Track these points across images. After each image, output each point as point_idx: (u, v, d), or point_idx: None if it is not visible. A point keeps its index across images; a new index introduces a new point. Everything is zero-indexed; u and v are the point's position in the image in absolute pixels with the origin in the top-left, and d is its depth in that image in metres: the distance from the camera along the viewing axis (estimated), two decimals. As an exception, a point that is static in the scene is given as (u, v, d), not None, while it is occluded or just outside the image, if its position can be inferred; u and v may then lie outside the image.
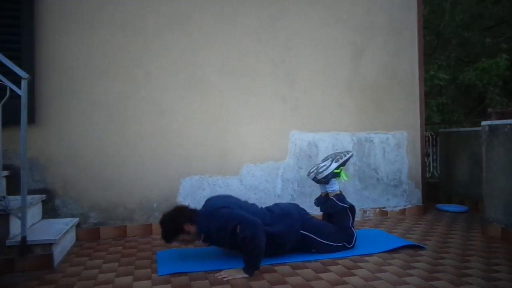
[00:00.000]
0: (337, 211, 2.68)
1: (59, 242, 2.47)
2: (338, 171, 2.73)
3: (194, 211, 2.49)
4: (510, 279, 2.08)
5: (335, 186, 2.75)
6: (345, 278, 2.13)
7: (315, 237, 2.54)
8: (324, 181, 2.73)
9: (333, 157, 2.77)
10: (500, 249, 2.67)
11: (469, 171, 4.39)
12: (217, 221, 2.30)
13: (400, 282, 2.06)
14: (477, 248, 2.71)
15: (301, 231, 2.52)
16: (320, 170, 2.73)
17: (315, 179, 2.76)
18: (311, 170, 2.80)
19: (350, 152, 2.83)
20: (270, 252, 2.37)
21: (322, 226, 2.63)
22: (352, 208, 2.71)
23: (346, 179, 2.80)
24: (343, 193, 2.79)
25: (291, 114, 3.63)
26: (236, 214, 2.30)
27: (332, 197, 2.72)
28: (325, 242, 2.55)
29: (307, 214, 2.68)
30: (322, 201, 2.79)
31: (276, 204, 2.70)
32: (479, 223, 3.34)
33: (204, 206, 2.55)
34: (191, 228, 2.40)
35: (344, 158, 2.76)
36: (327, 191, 2.77)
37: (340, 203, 2.68)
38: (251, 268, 2.18)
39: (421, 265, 2.32)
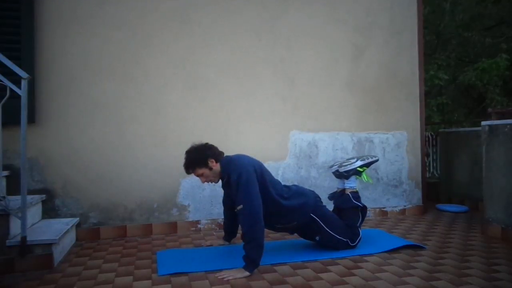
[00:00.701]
0: (349, 207, 2.72)
1: (59, 242, 2.47)
2: (361, 170, 2.80)
3: (222, 152, 2.55)
4: (510, 279, 2.08)
5: (353, 183, 2.81)
6: (345, 278, 2.13)
7: (323, 225, 2.56)
8: (345, 175, 2.79)
9: (359, 157, 2.86)
10: (500, 249, 2.67)
11: (469, 171, 4.39)
12: (236, 177, 2.31)
13: (400, 282, 2.06)
14: (477, 248, 2.71)
15: (311, 214, 2.56)
16: (344, 164, 2.81)
17: (336, 172, 2.83)
18: (334, 164, 2.90)
19: (377, 157, 2.92)
20: (277, 222, 2.50)
21: (332, 217, 2.67)
22: (364, 209, 2.75)
23: (367, 179, 2.86)
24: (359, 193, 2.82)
25: (291, 114, 3.63)
26: (249, 191, 2.28)
27: (349, 193, 2.77)
28: (331, 232, 2.57)
29: (322, 202, 2.71)
30: (337, 195, 2.85)
31: (294, 185, 2.78)
32: (479, 223, 3.34)
33: (233, 155, 2.57)
34: (214, 165, 2.48)
35: (370, 160, 2.84)
36: (344, 187, 2.82)
37: (354, 201, 2.73)
38: (251, 263, 2.18)
39: (421, 265, 2.33)
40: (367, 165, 2.84)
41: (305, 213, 2.55)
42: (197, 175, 2.54)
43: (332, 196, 2.90)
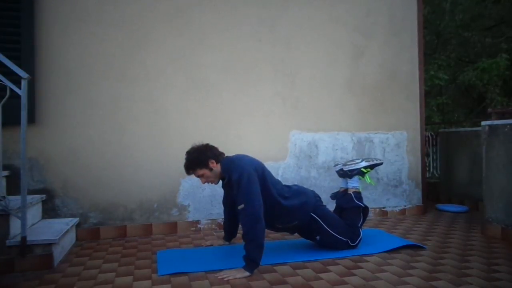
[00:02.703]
0: (351, 207, 2.72)
1: (59, 242, 2.47)
2: (365, 171, 2.81)
3: (222, 153, 2.55)
4: (510, 279, 2.08)
5: (356, 183, 2.82)
6: (345, 278, 2.13)
7: (323, 224, 2.57)
8: (349, 174, 2.80)
9: (365, 158, 2.88)
10: (500, 249, 2.67)
11: (469, 171, 4.39)
12: (237, 177, 2.31)
13: (400, 282, 2.06)
14: (477, 248, 2.71)
15: (312, 214, 2.56)
16: (348, 163, 2.84)
17: (340, 171, 2.86)
18: (339, 163, 2.92)
19: (382, 160, 2.94)
20: (278, 222, 2.50)
21: (333, 216, 2.67)
22: (365, 210, 2.76)
23: (369, 181, 2.87)
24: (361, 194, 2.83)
25: (291, 114, 3.63)
26: (250, 191, 2.27)
27: (351, 193, 2.78)
28: (331, 232, 2.57)
29: (322, 202, 2.72)
30: (340, 195, 2.86)
31: (295, 184, 2.79)
32: (479, 223, 3.34)
33: (233, 155, 2.57)
34: (215, 166, 2.48)
35: (375, 162, 2.86)
36: (347, 187, 2.83)
37: (357, 201, 2.73)
38: (251, 263, 2.18)
39: (421, 265, 2.32)
40: (372, 166, 2.85)
41: (305, 213, 2.55)
42: (197, 176, 2.54)
43: (334, 196, 2.91)
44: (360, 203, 2.74)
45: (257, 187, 2.32)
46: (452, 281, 2.05)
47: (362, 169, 2.80)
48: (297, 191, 2.61)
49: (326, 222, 2.57)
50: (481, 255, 2.52)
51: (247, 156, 2.57)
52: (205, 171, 2.49)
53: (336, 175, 2.99)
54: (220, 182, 2.63)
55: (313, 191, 2.72)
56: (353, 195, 2.76)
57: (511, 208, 2.89)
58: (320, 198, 2.72)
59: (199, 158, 2.48)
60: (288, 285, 2.04)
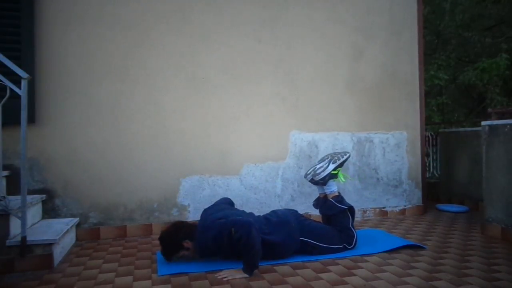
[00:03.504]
0: (336, 212, 2.65)
1: (59, 242, 2.47)
2: (336, 172, 2.69)
3: (192, 226, 2.47)
4: (510, 279, 2.08)
5: (333, 188, 2.72)
6: (345, 278, 2.13)
7: (316, 242, 2.53)
8: (321, 182, 2.69)
9: (330, 158, 2.72)
10: (500, 249, 2.67)
11: (469, 171, 4.39)
12: (213, 231, 2.28)
13: (400, 282, 2.06)
14: (477, 248, 2.71)
15: (301, 238, 2.51)
16: (318, 172, 2.68)
17: (312, 181, 2.73)
18: (308, 172, 2.76)
19: (348, 153, 2.78)
20: (269, 258, 2.40)
21: (322, 229, 2.61)
22: (351, 209, 2.68)
23: (344, 180, 2.77)
24: (341, 194, 2.76)
25: (291, 114, 3.63)
26: (230, 220, 2.29)
27: (331, 199, 2.69)
28: (326, 246, 2.54)
29: (305, 219, 2.66)
30: (321, 202, 2.77)
31: (273, 211, 2.67)
32: (479, 223, 3.34)
33: (201, 218, 2.54)
34: (190, 244, 2.39)
35: (342, 159, 2.71)
36: (325, 193, 2.75)
37: (339, 205, 2.65)
38: (250, 268, 2.18)
39: (421, 265, 2.32)
40: (340, 165, 2.71)
41: (294, 241, 2.49)
42: (178, 258, 2.46)
43: (316, 204, 2.82)
44: (343, 206, 2.65)
45: (228, 214, 2.37)
46: (452, 281, 2.05)
47: (333, 172, 2.67)
48: (278, 223, 2.49)
49: (318, 239, 2.53)
50: (481, 255, 2.52)
51: (211, 208, 2.63)
52: (183, 253, 2.41)
53: None
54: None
55: (293, 212, 2.65)
56: (333, 201, 2.67)
57: (511, 208, 2.89)
58: (303, 216, 2.67)
59: (173, 245, 2.39)
60: (288, 285, 2.04)
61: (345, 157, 2.73)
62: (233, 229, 2.21)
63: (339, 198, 2.70)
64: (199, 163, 3.36)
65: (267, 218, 2.56)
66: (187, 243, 2.38)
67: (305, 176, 2.79)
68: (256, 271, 2.22)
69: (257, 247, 2.19)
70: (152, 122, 3.28)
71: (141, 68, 3.27)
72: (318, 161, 2.79)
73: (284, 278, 2.14)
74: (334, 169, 2.67)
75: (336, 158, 2.71)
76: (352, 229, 2.65)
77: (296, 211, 2.71)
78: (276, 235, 2.42)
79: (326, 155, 2.79)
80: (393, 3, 3.94)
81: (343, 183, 2.78)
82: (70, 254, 2.69)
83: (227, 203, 2.83)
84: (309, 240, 2.52)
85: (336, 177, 2.71)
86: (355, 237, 2.64)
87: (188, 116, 3.37)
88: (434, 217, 3.84)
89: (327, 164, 2.69)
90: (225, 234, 2.23)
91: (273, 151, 3.57)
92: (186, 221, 2.56)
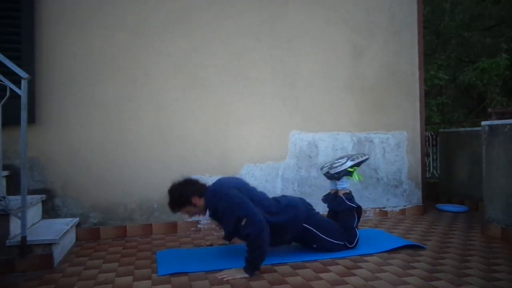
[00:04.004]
0: (343, 209, 2.69)
1: (59, 242, 2.47)
2: (352, 170, 2.77)
3: (204, 185, 2.51)
4: (510, 279, 2.08)
5: (345, 184, 2.78)
6: (345, 278, 2.13)
7: (318, 232, 2.54)
8: (336, 176, 2.77)
9: (349, 156, 2.82)
10: (500, 249, 2.67)
11: (469, 171, 4.39)
12: (225, 203, 2.29)
13: (400, 282, 2.06)
14: (477, 248, 2.71)
15: (304, 224, 2.53)
16: (335, 165, 2.78)
17: (327, 173, 2.80)
18: (325, 165, 2.85)
19: (367, 155, 2.87)
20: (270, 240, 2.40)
21: (326, 222, 2.64)
22: (359, 209, 2.72)
23: (358, 179, 2.84)
24: (352, 193, 2.80)
25: (291, 114, 3.63)
26: (246, 206, 2.27)
27: (341, 195, 2.74)
28: (327, 238, 2.56)
29: (313, 209, 2.68)
30: (331, 198, 2.82)
31: (283, 196, 2.72)
32: (479, 223, 3.34)
33: (214, 184, 2.53)
34: (198, 201, 2.44)
35: (360, 159, 2.80)
36: (336, 189, 2.80)
37: (348, 202, 2.70)
38: (252, 268, 2.18)
39: (421, 265, 2.32)
40: (358, 164, 2.79)
41: (296, 226, 2.51)
42: (183, 213, 2.53)
43: (325, 199, 2.87)
44: (352, 204, 2.69)
45: (247, 200, 2.31)
46: (452, 281, 2.05)
47: (349, 169, 2.75)
48: (286, 205, 2.52)
49: (320, 230, 2.54)
50: (481, 255, 2.52)
51: (226, 179, 2.57)
52: (189, 208, 2.46)
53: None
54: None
55: (303, 200, 2.67)
56: (343, 197, 2.72)
57: (511, 208, 2.89)
58: (311, 206, 2.68)
59: (182, 197, 2.43)
60: (288, 285, 2.04)
61: (364, 157, 2.83)
62: (245, 219, 2.21)
63: (350, 196, 2.75)
64: (199, 163, 3.36)
65: (277, 200, 2.60)
66: (196, 199, 2.43)
67: (321, 169, 2.88)
68: (256, 272, 2.21)
69: (264, 249, 2.19)
70: (152, 122, 3.28)
71: (141, 68, 3.27)
72: (337, 158, 2.89)
73: (284, 278, 2.14)
74: (351, 167, 2.76)
75: (355, 157, 2.81)
76: (356, 229, 2.68)
77: (305, 200, 2.71)
78: (282, 216, 2.45)
79: (345, 155, 2.89)
80: (393, 3, 3.95)
81: (358, 182, 2.87)
82: (70, 254, 2.69)
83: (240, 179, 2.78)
84: (312, 229, 2.53)
85: (351, 175, 2.79)
86: (357, 237, 2.65)
87: (188, 116, 3.37)
88: (434, 217, 3.84)
89: (345, 161, 2.78)
90: (234, 218, 2.24)
91: (273, 151, 3.57)
92: (197, 179, 2.56)
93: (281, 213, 2.46)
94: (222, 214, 2.33)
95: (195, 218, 3.34)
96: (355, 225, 2.68)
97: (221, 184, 2.47)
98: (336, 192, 2.80)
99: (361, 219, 2.78)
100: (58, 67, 3.10)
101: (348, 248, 2.62)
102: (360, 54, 3.85)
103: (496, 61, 9.11)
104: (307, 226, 2.53)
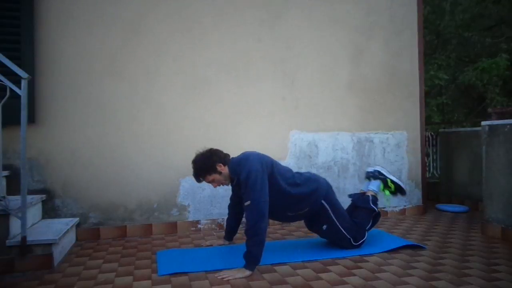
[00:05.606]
0: (364, 207, 2.74)
1: (59, 242, 2.47)
2: (389, 184, 2.87)
3: (227, 155, 2.57)
4: (510, 279, 2.08)
5: (375, 188, 2.87)
6: (345, 278, 2.13)
7: (332, 215, 2.59)
8: (377, 175, 2.88)
9: (396, 176, 3.09)
10: (500, 249, 2.67)
11: (469, 171, 4.39)
12: (245, 177, 2.33)
13: (400, 282, 2.06)
14: (477, 248, 2.71)
15: (322, 201, 2.59)
16: (382, 171, 2.92)
17: (370, 171, 2.94)
18: (375, 166, 3.01)
19: (405, 192, 2.96)
20: (289, 210, 2.54)
21: (342, 209, 2.69)
22: (377, 216, 2.77)
23: (387, 194, 2.90)
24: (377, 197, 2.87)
25: (291, 114, 3.63)
26: (257, 189, 2.29)
27: (369, 195, 2.81)
28: (337, 223, 2.60)
29: (334, 194, 2.74)
30: (358, 195, 2.89)
31: (308, 172, 2.81)
32: (479, 223, 3.34)
33: (239, 155, 2.58)
34: (223, 169, 2.51)
35: (400, 184, 2.89)
36: (367, 189, 2.88)
37: (371, 203, 2.75)
38: (251, 260, 2.19)
39: (421, 265, 2.32)
40: (396, 185, 2.88)
41: (316, 199, 2.57)
42: (208, 182, 2.57)
43: (352, 195, 2.95)
44: (375, 207, 2.75)
45: (264, 184, 2.34)
46: (452, 281, 2.05)
47: (388, 180, 2.87)
48: (308, 178, 2.63)
49: (334, 212, 2.60)
50: (481, 255, 2.52)
51: (253, 153, 2.55)
52: (215, 176, 2.52)
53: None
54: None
55: (325, 180, 2.74)
56: (370, 197, 2.79)
57: (511, 208, 2.89)
58: (332, 188, 2.74)
59: (207, 164, 2.50)
60: (288, 285, 2.04)
61: (404, 188, 2.91)
62: (249, 202, 2.27)
63: (375, 198, 2.81)
64: (199, 163, 3.36)
65: (299, 173, 2.71)
66: (221, 167, 2.50)
67: (369, 166, 3.06)
68: (256, 270, 2.22)
69: (261, 237, 2.22)
70: (151, 122, 3.28)
71: (141, 68, 3.27)
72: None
73: (284, 278, 2.14)
74: (392, 182, 2.87)
75: (399, 180, 2.95)
76: (366, 232, 2.69)
77: (327, 181, 2.77)
78: (304, 188, 2.54)
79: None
80: (393, 3, 3.95)
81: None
82: (70, 254, 2.69)
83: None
84: (328, 208, 2.59)
85: (385, 187, 2.88)
86: (363, 239, 2.67)
87: (188, 116, 3.36)
88: (434, 217, 3.84)
89: (391, 175, 2.94)
90: (243, 192, 2.33)
91: (273, 151, 3.54)
92: (221, 150, 2.62)
93: (302, 185, 2.55)
94: (240, 185, 2.40)
95: (194, 221, 3.35)
96: (366, 228, 2.70)
97: (246, 157, 2.49)
98: (364, 192, 2.87)
99: (374, 226, 2.81)
100: (58, 67, 3.10)
101: (351, 246, 2.63)
102: (360, 54, 3.85)
103: (496, 61, 9.12)
104: (325, 204, 2.59)
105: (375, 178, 2.90)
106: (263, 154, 2.56)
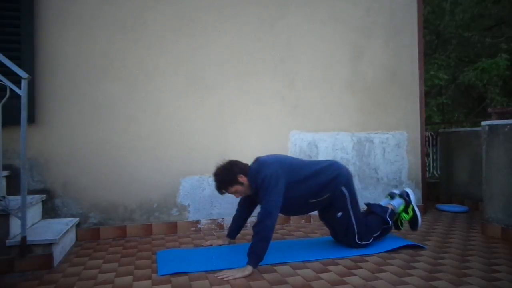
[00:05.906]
0: (379, 215, 2.74)
1: (59, 242, 2.47)
2: (409, 212, 2.86)
3: (246, 164, 2.63)
4: (510, 279, 2.08)
5: (397, 205, 2.86)
6: (345, 278, 2.13)
7: (349, 204, 2.62)
8: (404, 195, 2.89)
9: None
10: (500, 249, 2.67)
11: (469, 171, 4.39)
12: (262, 181, 2.41)
13: (400, 282, 2.06)
14: (477, 248, 2.71)
15: (342, 188, 2.61)
16: (411, 195, 2.92)
17: (398, 191, 2.96)
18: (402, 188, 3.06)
19: (419, 228, 2.93)
20: (310, 198, 2.57)
21: (358, 202, 2.71)
22: (388, 229, 2.77)
23: (406, 219, 2.88)
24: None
25: (291, 114, 3.63)
26: (269, 195, 2.36)
27: (389, 207, 2.81)
28: (351, 214, 2.62)
29: (353, 183, 2.75)
30: (376, 204, 2.88)
31: (329, 160, 2.89)
32: (479, 223, 3.34)
33: (255, 162, 2.64)
34: (244, 179, 2.55)
35: (419, 217, 2.88)
36: (387, 204, 2.87)
37: (388, 216, 2.74)
38: (255, 256, 2.20)
39: (421, 265, 2.33)
40: (414, 217, 2.87)
41: (337, 185, 2.60)
42: (231, 193, 2.61)
43: (371, 204, 2.91)
44: (390, 220, 2.74)
45: (279, 187, 2.40)
46: (452, 281, 2.05)
47: (411, 206, 2.87)
48: (330, 164, 2.66)
49: (352, 202, 2.63)
50: (481, 255, 2.52)
51: (271, 156, 2.65)
52: (237, 187, 2.57)
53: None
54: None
55: (347, 169, 2.76)
56: (389, 209, 2.79)
57: (511, 208, 2.89)
58: (352, 178, 2.75)
59: (229, 176, 2.55)
60: (288, 285, 2.04)
61: (419, 222, 2.88)
62: (263, 202, 2.35)
63: (393, 213, 2.80)
64: (199, 163, 3.36)
65: (323, 161, 2.77)
66: (242, 178, 2.54)
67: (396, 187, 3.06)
68: (256, 270, 2.22)
69: (265, 234, 2.24)
70: (151, 121, 3.28)
71: (140, 68, 3.26)
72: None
73: (284, 278, 2.14)
74: (413, 210, 2.87)
75: (419, 211, 2.92)
76: (372, 238, 2.70)
77: (349, 172, 2.79)
78: (324, 176, 2.58)
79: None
80: (393, 3, 3.94)
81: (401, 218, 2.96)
82: (70, 254, 2.69)
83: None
84: (347, 196, 2.62)
85: (406, 211, 2.88)
86: (367, 242, 2.67)
87: (188, 116, 3.36)
88: (434, 217, 3.84)
89: (415, 203, 2.92)
90: (261, 196, 2.40)
91: (273, 151, 3.55)
92: (239, 160, 2.67)
93: (322, 174, 2.59)
94: (258, 190, 2.46)
95: (194, 221, 3.35)
96: (374, 234, 2.70)
97: (263, 163, 2.54)
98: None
99: (381, 237, 2.80)
100: (58, 67, 3.10)
101: (355, 244, 2.64)
102: (360, 54, 3.85)
103: (496, 61, 9.12)
104: (344, 191, 2.61)
105: (401, 196, 2.90)
106: (280, 156, 2.66)
